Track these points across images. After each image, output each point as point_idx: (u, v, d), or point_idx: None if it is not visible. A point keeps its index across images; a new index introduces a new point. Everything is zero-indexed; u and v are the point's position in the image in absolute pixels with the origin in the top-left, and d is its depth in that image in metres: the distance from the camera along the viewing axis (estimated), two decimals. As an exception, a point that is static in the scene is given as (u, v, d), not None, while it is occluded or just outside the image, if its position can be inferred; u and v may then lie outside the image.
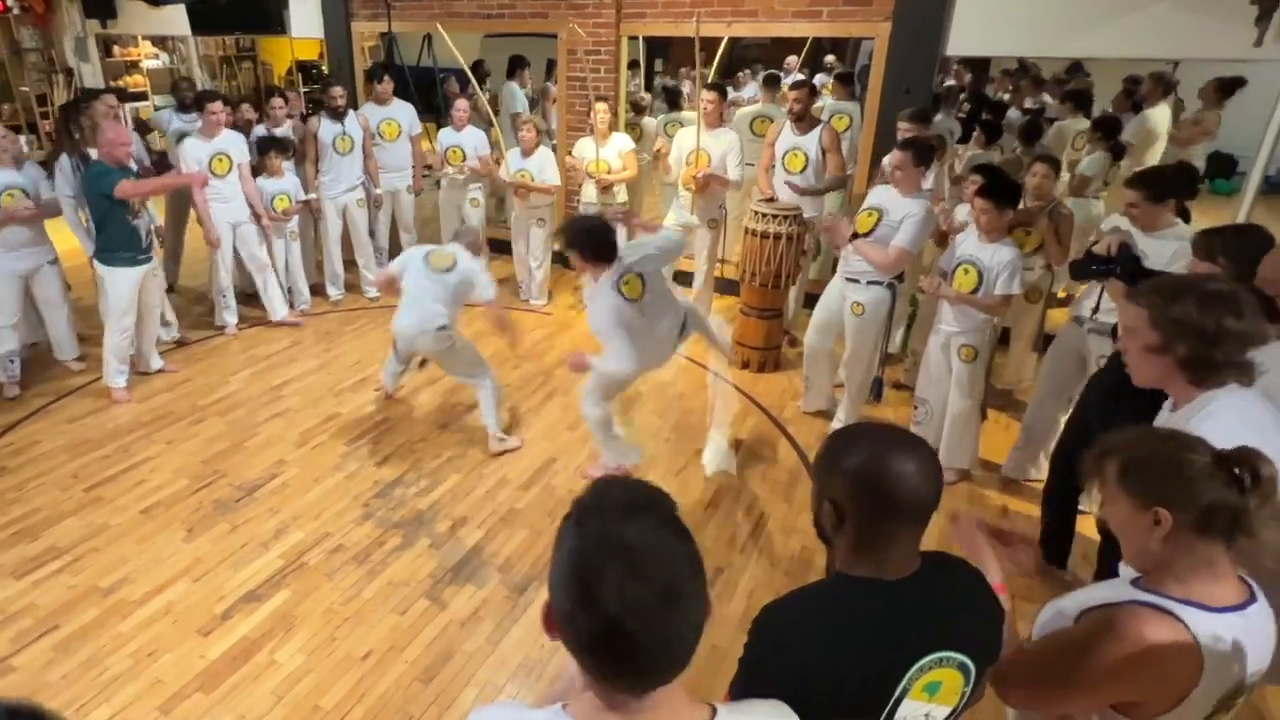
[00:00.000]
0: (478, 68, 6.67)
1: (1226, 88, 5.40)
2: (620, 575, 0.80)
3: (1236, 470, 1.13)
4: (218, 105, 4.80)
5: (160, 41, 9.04)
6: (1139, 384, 1.67)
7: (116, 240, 4.02)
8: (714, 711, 0.91)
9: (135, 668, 2.57)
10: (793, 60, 7.91)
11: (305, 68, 9.29)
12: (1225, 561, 1.18)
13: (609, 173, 5.08)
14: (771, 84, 5.93)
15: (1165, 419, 1.68)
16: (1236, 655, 1.14)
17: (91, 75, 7.60)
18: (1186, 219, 3.27)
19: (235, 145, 4.95)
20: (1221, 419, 1.50)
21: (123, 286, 4.10)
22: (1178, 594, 1.17)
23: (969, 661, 1.13)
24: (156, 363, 4.58)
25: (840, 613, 1.12)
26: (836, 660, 1.07)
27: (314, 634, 2.73)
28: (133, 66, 8.88)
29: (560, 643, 0.88)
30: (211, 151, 4.81)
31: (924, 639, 1.10)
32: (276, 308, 5.27)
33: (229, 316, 5.22)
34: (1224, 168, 6.81)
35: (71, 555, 3.08)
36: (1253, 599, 1.19)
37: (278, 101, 5.41)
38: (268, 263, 5.14)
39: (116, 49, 8.80)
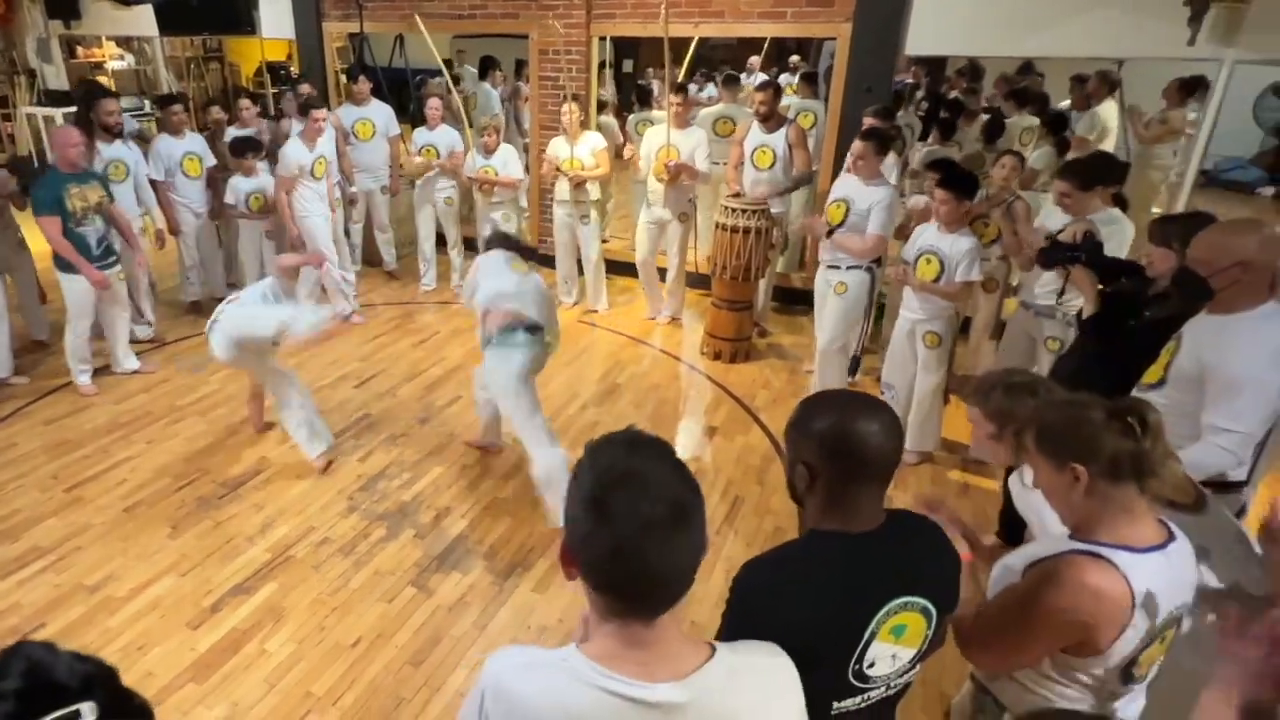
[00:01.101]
0: (449, 67, 6.71)
1: (1188, 87, 5.64)
2: (633, 495, 0.90)
3: (1129, 419, 1.28)
4: (322, 112, 4.99)
5: (125, 42, 8.91)
6: (998, 464, 1.90)
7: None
8: (713, 650, 1.00)
9: (125, 661, 2.59)
10: (755, 60, 8.06)
11: (274, 69, 9.22)
12: (1142, 505, 1.32)
13: (582, 170, 5.17)
14: (731, 84, 6.06)
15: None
16: (1160, 590, 1.28)
17: (55, 77, 7.48)
18: (1124, 207, 3.47)
19: (329, 148, 5.16)
20: None
21: (75, 291, 4.11)
22: (1107, 540, 1.31)
23: (930, 606, 1.23)
24: (131, 364, 4.58)
25: (814, 565, 1.22)
26: (812, 608, 1.17)
27: (303, 623, 2.79)
28: (97, 68, 8.76)
29: (572, 585, 0.97)
30: (315, 156, 5.00)
31: (890, 585, 1.20)
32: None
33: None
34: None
35: (55, 554, 3.10)
36: (1172, 538, 1.34)
37: (245, 102, 5.41)
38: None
39: (80, 50, 8.67)
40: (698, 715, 0.94)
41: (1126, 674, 1.35)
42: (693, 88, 8.60)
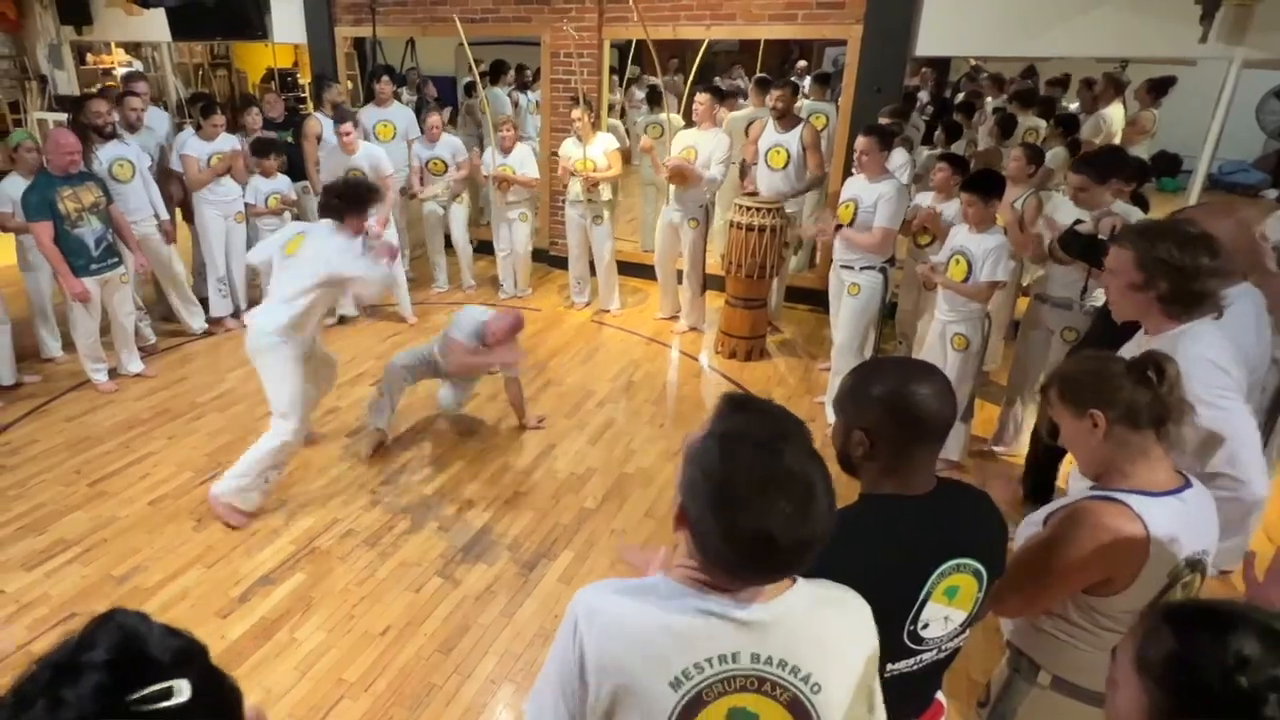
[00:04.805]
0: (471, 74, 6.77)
1: (1158, 87, 5.73)
2: (778, 500, 0.90)
3: (1148, 370, 1.35)
4: (348, 126, 5.03)
5: (133, 49, 8.97)
6: (1118, 319, 1.87)
7: (62, 250, 3.98)
8: (795, 580, 1.03)
9: (156, 650, 2.62)
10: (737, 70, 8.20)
11: (281, 75, 9.28)
12: (1159, 450, 1.38)
13: (595, 170, 5.22)
14: (763, 87, 6.10)
15: (1140, 343, 1.86)
16: (1177, 532, 1.34)
17: (66, 82, 7.53)
18: (1145, 206, 3.52)
19: (366, 162, 5.12)
20: (1203, 339, 1.74)
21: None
22: (1123, 486, 1.38)
23: (982, 569, 1.26)
24: (135, 366, 4.55)
25: (873, 527, 1.24)
26: (872, 569, 1.19)
27: (332, 612, 2.81)
28: (106, 74, 8.81)
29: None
30: (349, 167, 4.97)
31: (944, 546, 1.23)
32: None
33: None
34: (1171, 166, 7.15)
35: (81, 546, 3.12)
36: (1188, 485, 1.40)
37: (254, 110, 5.33)
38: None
39: (90, 56, 8.73)
40: (785, 634, 0.99)
41: None
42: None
